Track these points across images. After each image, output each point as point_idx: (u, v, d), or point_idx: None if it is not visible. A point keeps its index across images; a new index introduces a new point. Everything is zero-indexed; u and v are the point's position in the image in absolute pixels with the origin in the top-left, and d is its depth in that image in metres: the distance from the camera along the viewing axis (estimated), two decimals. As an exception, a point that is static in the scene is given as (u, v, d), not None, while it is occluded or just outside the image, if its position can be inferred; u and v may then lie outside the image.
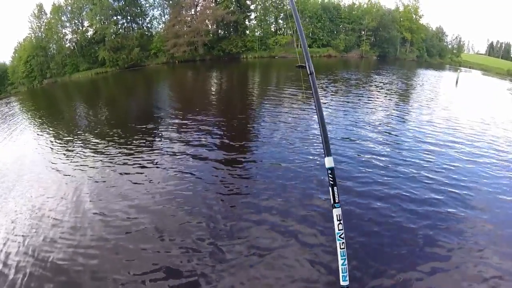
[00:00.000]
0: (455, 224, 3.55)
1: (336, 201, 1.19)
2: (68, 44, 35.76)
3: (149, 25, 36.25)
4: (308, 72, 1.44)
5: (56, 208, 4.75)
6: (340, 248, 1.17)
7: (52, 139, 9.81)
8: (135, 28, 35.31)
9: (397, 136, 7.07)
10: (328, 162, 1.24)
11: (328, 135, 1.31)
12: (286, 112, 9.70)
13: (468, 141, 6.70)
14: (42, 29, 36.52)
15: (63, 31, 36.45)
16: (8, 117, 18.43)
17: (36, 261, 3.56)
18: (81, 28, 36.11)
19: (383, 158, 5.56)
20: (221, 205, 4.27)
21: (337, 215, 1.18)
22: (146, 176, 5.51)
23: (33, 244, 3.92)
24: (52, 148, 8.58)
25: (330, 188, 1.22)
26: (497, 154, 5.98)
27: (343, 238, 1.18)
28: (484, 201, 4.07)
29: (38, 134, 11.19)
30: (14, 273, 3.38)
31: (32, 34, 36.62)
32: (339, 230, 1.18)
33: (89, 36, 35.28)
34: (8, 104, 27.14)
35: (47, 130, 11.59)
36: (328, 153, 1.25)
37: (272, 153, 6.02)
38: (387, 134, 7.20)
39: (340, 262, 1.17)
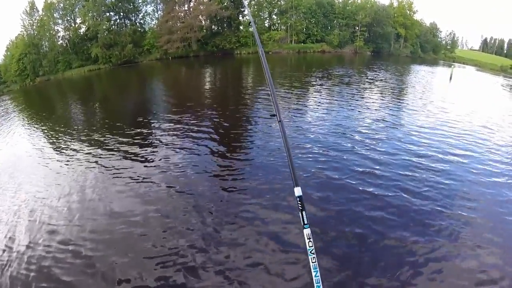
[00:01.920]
0: (435, 225, 3.57)
1: (305, 222, 1.38)
2: (61, 41, 35.48)
3: (142, 21, 36.09)
4: (278, 120, 1.58)
5: (50, 205, 4.77)
6: (312, 262, 1.32)
7: (46, 137, 9.76)
8: (128, 24, 35.07)
9: (389, 133, 6.97)
10: (297, 191, 1.41)
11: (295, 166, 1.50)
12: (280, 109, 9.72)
13: (460, 139, 6.57)
14: (34, 27, 36.15)
15: (56, 28, 36.13)
16: (1, 116, 18.32)
17: (32, 258, 3.58)
18: (73, 25, 35.82)
19: (370, 154, 5.54)
20: (207, 203, 4.31)
21: (307, 235, 1.36)
22: (140, 171, 5.53)
23: (30, 240, 3.93)
24: (45, 146, 8.52)
25: (299, 213, 1.39)
26: (489, 151, 5.96)
27: (313, 254, 1.34)
28: (482, 208, 3.99)
29: (31, 133, 11.13)
30: (13, 272, 3.39)
31: (24, 32, 36.25)
32: (309, 247, 1.35)
33: (82, 33, 34.98)
34: (0, 103, 26.95)
35: (41, 129, 11.51)
36: (296, 183, 1.41)
37: (265, 147, 6.07)
38: (378, 131, 7.09)
39: (313, 273, 1.32)
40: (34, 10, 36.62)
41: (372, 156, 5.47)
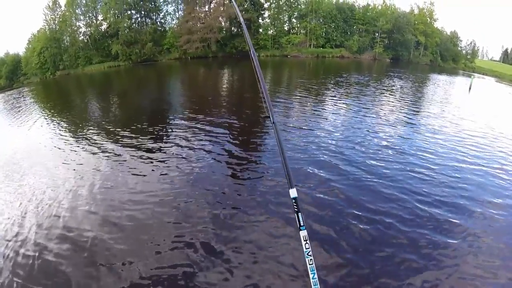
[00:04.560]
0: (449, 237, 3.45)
1: (301, 224, 1.38)
2: (82, 37, 35.98)
3: (162, 21, 36.37)
4: (272, 121, 1.60)
5: (67, 195, 4.89)
6: (309, 264, 1.34)
7: (64, 129, 9.91)
8: (149, 23, 35.35)
9: (404, 143, 6.78)
10: (292, 192, 1.43)
11: (290, 168, 1.51)
12: (294, 115, 9.39)
13: (475, 151, 6.41)
14: (56, 21, 36.79)
15: (77, 24, 36.70)
16: (21, 107, 18.59)
17: (48, 245, 3.66)
18: (95, 22, 36.32)
19: (387, 165, 5.35)
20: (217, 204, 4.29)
21: (303, 236, 1.37)
22: (156, 166, 5.61)
23: (45, 227, 4.05)
24: (63, 138, 8.69)
25: (295, 215, 1.40)
26: (506, 162, 5.80)
27: (310, 255, 1.35)
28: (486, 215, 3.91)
29: (50, 123, 11.27)
30: (27, 260, 3.45)
31: (46, 26, 36.90)
32: (306, 248, 1.36)
33: (103, 30, 35.44)
34: (21, 94, 27.40)
35: (59, 121, 11.66)
36: (291, 185, 1.42)
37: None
38: (395, 139, 6.90)
39: (311, 275, 1.34)
40: (57, 5, 37.28)
41: (382, 162, 5.40)
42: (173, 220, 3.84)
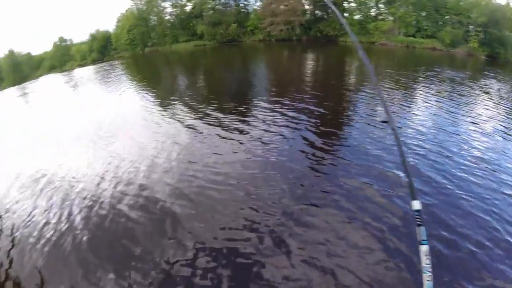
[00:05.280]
0: None
1: (424, 238, 1.32)
2: (168, 17, 37.92)
3: (246, 2, 36.71)
4: (391, 128, 1.54)
5: (146, 163, 5.28)
6: (427, 281, 1.28)
7: (150, 101, 10.66)
8: (233, 5, 35.97)
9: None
10: (415, 204, 1.37)
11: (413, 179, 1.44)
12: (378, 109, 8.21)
13: None
14: (143, 2, 39.22)
15: (163, 4, 38.75)
16: (112, 77, 20.16)
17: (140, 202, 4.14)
18: (180, 3, 37.99)
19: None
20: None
21: (424, 251, 1.31)
22: (233, 146, 5.68)
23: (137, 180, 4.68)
24: (148, 109, 9.37)
25: (417, 228, 1.33)
26: None
27: (430, 271, 1.28)
28: None
29: (138, 94, 12.12)
30: (99, 220, 3.85)
31: (134, 6, 39.53)
32: (426, 264, 1.29)
33: (188, 11, 36.89)
34: (113, 66, 29.57)
35: (146, 93, 12.41)
36: (413, 197, 1.38)
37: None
38: (491, 152, 5.67)
39: None
40: (144, -14, 39.69)
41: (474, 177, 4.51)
42: (243, 205, 3.80)
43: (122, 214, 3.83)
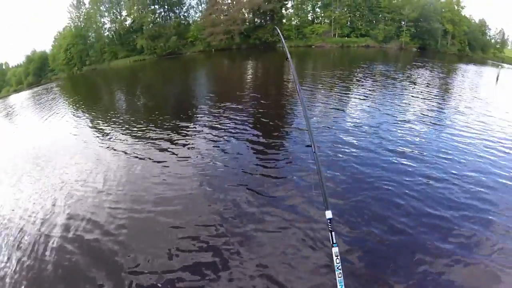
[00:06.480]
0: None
1: (334, 242, 1.56)
2: (107, 33, 36.57)
3: (186, 14, 36.50)
4: (313, 151, 1.77)
5: (92, 184, 5.22)
6: (338, 277, 1.50)
7: (90, 123, 10.23)
8: (172, 17, 35.58)
9: (426, 136, 6.41)
10: (328, 214, 1.61)
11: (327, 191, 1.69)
12: (319, 106, 8.89)
13: (500, 143, 5.98)
14: (81, 19, 37.54)
15: (102, 20, 37.34)
16: (49, 101, 18.99)
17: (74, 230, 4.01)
18: (119, 17, 36.81)
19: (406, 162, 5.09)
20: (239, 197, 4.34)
21: (335, 252, 1.54)
22: (179, 157, 5.77)
23: (74, 212, 4.43)
24: (89, 129, 9.12)
25: (329, 233, 1.59)
26: None
27: (340, 269, 1.50)
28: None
29: (77, 117, 11.61)
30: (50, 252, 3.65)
31: (72, 24, 37.74)
32: (336, 263, 1.52)
33: (127, 25, 35.84)
34: (49, 89, 28.01)
35: (86, 113, 12.02)
36: (327, 207, 1.61)
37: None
38: (419, 138, 6.40)
39: (339, 286, 1.50)
40: (81, 3, 38.06)
41: (409, 166, 4.98)
42: (187, 217, 3.92)
43: (52, 248, 3.69)
